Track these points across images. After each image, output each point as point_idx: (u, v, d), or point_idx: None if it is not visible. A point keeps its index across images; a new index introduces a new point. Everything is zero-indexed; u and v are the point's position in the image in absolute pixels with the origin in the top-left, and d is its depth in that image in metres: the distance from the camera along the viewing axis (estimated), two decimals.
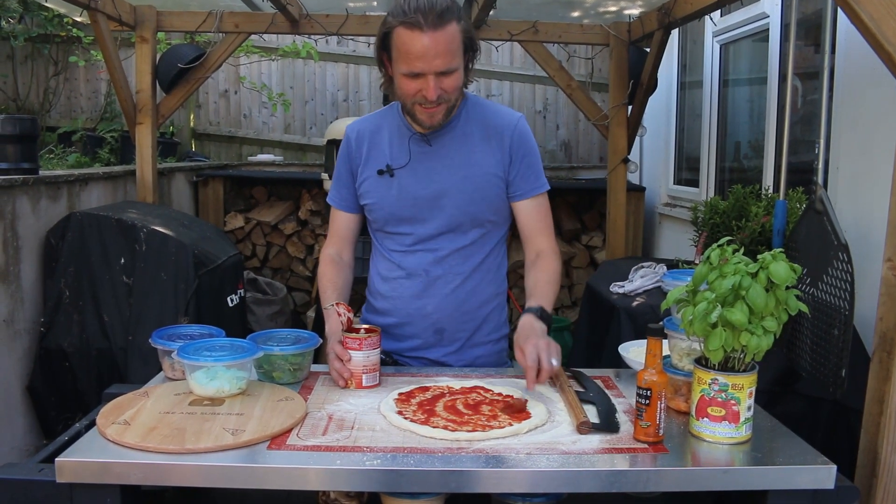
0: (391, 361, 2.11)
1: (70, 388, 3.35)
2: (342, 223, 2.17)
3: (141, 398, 1.71)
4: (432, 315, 2.07)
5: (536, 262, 2.07)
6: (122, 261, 3.34)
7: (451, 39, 1.82)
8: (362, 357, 1.85)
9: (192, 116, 6.41)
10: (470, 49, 1.93)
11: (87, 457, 1.44)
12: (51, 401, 3.35)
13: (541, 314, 1.92)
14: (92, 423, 1.61)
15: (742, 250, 1.58)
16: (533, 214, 2.08)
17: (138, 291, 3.32)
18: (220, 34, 4.25)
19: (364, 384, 1.85)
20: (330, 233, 2.20)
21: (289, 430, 1.56)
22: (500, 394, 1.80)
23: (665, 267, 3.19)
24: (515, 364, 1.90)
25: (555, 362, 1.78)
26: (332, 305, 1.97)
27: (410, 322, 2.08)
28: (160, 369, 1.95)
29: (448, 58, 1.84)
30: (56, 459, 1.42)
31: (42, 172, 3.46)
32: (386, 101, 2.32)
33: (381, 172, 2.04)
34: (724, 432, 1.52)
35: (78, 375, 3.34)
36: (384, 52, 1.93)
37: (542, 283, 2.02)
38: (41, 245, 3.36)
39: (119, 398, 1.71)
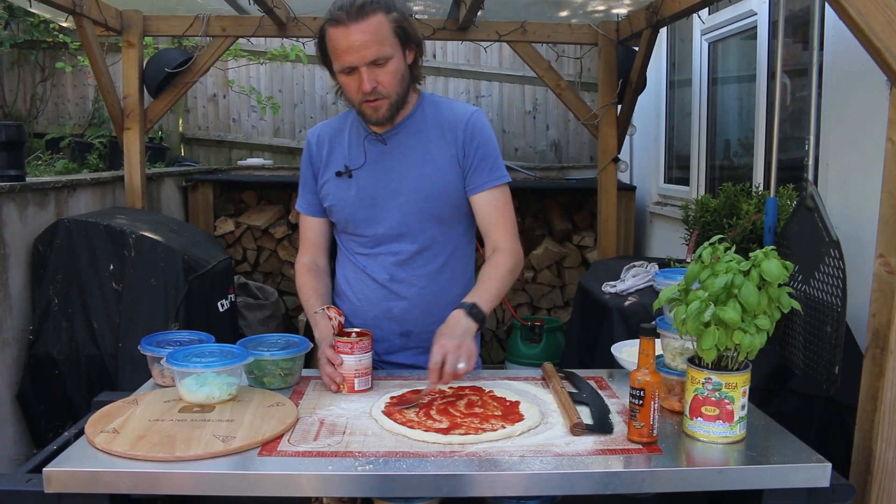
0: None
1: (60, 395, 3.32)
2: (313, 229, 2.16)
3: (130, 406, 1.69)
4: (399, 318, 2.06)
5: (490, 257, 2.04)
6: (111, 267, 3.32)
7: (376, 29, 1.83)
8: (354, 361, 1.84)
9: (180, 121, 6.38)
10: (406, 41, 1.92)
11: (76, 466, 1.43)
12: (40, 409, 3.32)
13: (471, 310, 1.86)
14: (81, 432, 1.60)
15: (733, 248, 1.58)
16: (488, 208, 2.04)
17: (128, 298, 3.30)
18: (208, 38, 4.23)
19: (356, 388, 1.84)
20: (302, 241, 2.19)
21: (280, 436, 1.55)
22: (491, 392, 1.79)
23: (657, 266, 3.18)
24: (508, 365, 1.87)
25: (461, 366, 1.72)
26: (323, 310, 1.95)
27: (376, 325, 2.06)
28: (150, 376, 1.93)
29: (376, 47, 1.84)
30: (44, 469, 1.40)
31: (29, 179, 3.43)
32: None
33: (339, 174, 2.04)
34: (718, 432, 1.52)
35: (68, 383, 3.31)
36: (327, 59, 1.93)
37: (486, 278, 1.97)
38: (29, 252, 3.33)
39: (108, 406, 1.70)
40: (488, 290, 1.94)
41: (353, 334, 1.87)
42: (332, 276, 2.21)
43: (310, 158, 2.12)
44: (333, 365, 1.84)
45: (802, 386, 2.27)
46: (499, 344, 5.43)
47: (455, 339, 1.76)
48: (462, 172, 2.02)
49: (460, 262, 2.11)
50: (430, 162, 2.01)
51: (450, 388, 1.83)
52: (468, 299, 1.89)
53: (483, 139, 2.03)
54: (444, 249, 2.06)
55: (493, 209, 2.04)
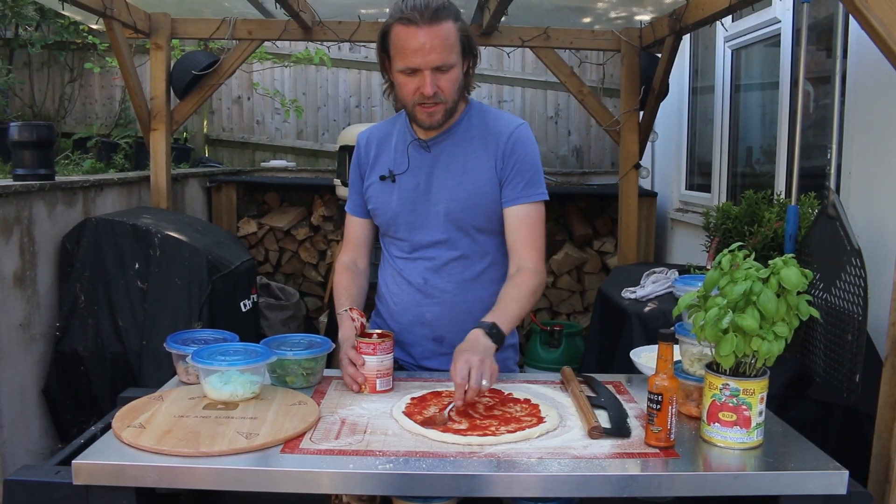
0: (396, 367, 2.10)
1: (85, 391, 3.37)
2: (356, 230, 2.19)
3: (156, 402, 1.73)
4: (431, 323, 2.07)
5: (513, 276, 2.00)
6: (137, 266, 3.37)
7: (446, 36, 1.85)
8: (376, 361, 1.86)
9: (205, 122, 6.45)
10: (468, 52, 1.94)
11: (103, 459, 1.46)
12: (66, 404, 3.38)
13: (490, 330, 1.82)
14: (107, 427, 1.63)
15: (753, 256, 1.58)
16: (517, 224, 2.01)
17: (152, 296, 3.35)
18: (234, 41, 4.29)
19: (378, 388, 1.86)
20: (345, 240, 2.22)
21: (302, 434, 1.57)
22: (510, 394, 1.81)
23: (677, 272, 3.19)
24: (527, 369, 1.88)
25: (485, 383, 1.69)
26: (346, 311, 1.98)
27: (410, 330, 2.08)
28: (174, 373, 1.96)
29: (444, 53, 1.85)
30: (73, 462, 1.44)
31: (58, 178, 3.49)
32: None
33: (383, 178, 2.06)
34: (735, 437, 1.53)
35: (93, 379, 3.36)
36: (384, 55, 1.95)
37: (508, 298, 1.94)
38: (57, 250, 3.39)
39: (134, 402, 1.73)
40: (509, 310, 1.91)
41: (375, 335, 1.89)
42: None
43: (358, 161, 2.14)
44: (356, 365, 1.86)
45: (822, 393, 2.27)
46: (518, 348, 5.43)
47: (478, 354, 1.72)
48: (499, 184, 2.00)
49: (498, 272, 2.07)
50: (469, 171, 2.00)
51: None
52: (488, 319, 1.86)
53: (523, 153, 2.01)
54: (481, 259, 2.05)
55: (524, 226, 2.01)
